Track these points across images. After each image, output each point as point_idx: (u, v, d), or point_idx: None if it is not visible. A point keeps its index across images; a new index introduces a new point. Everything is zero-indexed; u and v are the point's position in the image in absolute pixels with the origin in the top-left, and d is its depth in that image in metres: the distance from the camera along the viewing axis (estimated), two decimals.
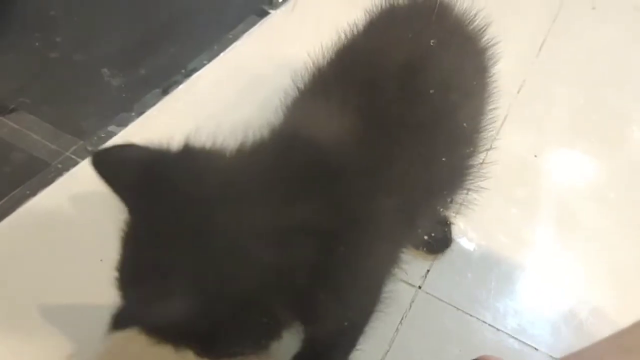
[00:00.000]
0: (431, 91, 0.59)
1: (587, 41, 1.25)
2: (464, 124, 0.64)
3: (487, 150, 0.99)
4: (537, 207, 0.93)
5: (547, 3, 1.34)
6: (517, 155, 1.00)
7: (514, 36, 1.24)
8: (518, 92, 1.12)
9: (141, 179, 0.52)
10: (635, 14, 1.32)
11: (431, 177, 0.60)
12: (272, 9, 1.23)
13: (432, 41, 0.62)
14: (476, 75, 0.70)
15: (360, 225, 0.53)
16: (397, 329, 0.76)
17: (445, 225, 0.86)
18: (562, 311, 0.81)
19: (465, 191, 0.72)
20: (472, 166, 0.70)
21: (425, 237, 0.73)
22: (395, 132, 0.56)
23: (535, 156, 1.00)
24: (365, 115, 0.56)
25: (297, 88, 0.64)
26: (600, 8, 1.33)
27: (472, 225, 0.89)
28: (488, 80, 0.72)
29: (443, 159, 0.60)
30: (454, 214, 0.87)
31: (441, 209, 0.70)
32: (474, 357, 0.70)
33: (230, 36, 1.18)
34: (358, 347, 0.71)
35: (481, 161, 0.74)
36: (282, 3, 1.24)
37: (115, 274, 0.57)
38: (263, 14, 1.23)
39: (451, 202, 0.72)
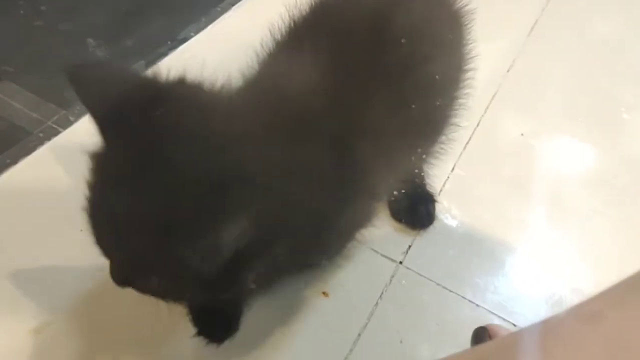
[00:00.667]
0: (402, 40, 0.58)
1: (579, 23, 1.24)
2: (436, 76, 0.63)
3: (475, 127, 1.00)
4: (523, 186, 0.93)
5: None
6: (504, 134, 1.00)
7: (507, 15, 1.24)
8: (508, 71, 1.11)
9: (126, 105, 0.48)
10: None
11: (402, 123, 0.59)
12: None
13: None
14: (450, 28, 0.69)
15: (338, 170, 0.52)
16: (377, 303, 0.76)
17: (429, 202, 0.86)
18: (543, 289, 0.81)
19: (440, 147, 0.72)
20: (445, 119, 0.69)
21: (396, 193, 0.72)
22: (364, 78, 0.57)
23: (522, 135, 0.99)
24: (336, 63, 0.56)
25: (274, 39, 0.64)
26: None
27: (456, 202, 0.88)
28: (464, 36, 0.71)
29: (412, 106, 0.59)
30: (437, 191, 0.87)
31: (416, 161, 0.69)
32: (480, 325, 0.70)
33: (219, 9, 1.16)
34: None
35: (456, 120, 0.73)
36: None
37: (92, 218, 0.53)
38: None
39: (425, 155, 0.71)
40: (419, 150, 0.68)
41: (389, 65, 0.58)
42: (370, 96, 0.57)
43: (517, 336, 0.35)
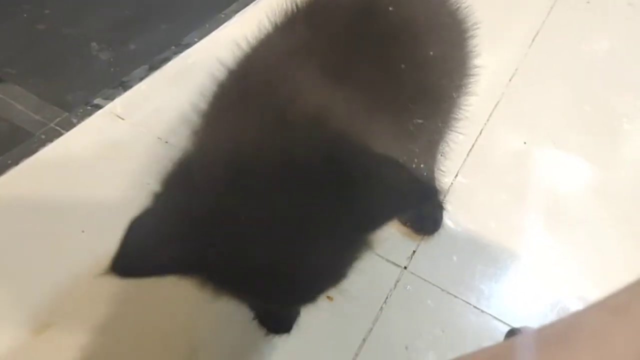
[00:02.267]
0: (390, 8, 0.58)
1: (580, 35, 1.25)
2: (430, 52, 0.60)
3: (477, 135, 1.00)
4: (526, 194, 0.93)
5: None
6: (507, 142, 1.00)
7: (509, 26, 1.25)
8: (510, 80, 1.11)
9: None
10: (629, 9, 1.32)
11: (394, 83, 0.57)
12: None
13: None
14: (447, 11, 0.68)
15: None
16: (382, 308, 0.75)
17: (437, 208, 0.85)
18: (548, 296, 0.80)
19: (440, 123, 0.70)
20: (446, 95, 0.66)
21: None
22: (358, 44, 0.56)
23: (525, 143, 0.99)
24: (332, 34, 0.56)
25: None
26: (595, 2, 1.33)
27: (461, 209, 0.88)
28: (462, 20, 0.69)
29: (402, 66, 0.57)
30: (444, 198, 0.87)
31: (415, 131, 0.65)
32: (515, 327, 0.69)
33: (223, 15, 1.16)
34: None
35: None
36: None
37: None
38: None
39: (422, 124, 0.67)
40: (418, 120, 0.65)
41: (378, 35, 0.57)
42: (366, 60, 0.55)
43: (536, 333, 0.35)
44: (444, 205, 0.85)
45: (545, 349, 0.31)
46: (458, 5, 0.69)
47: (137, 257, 0.47)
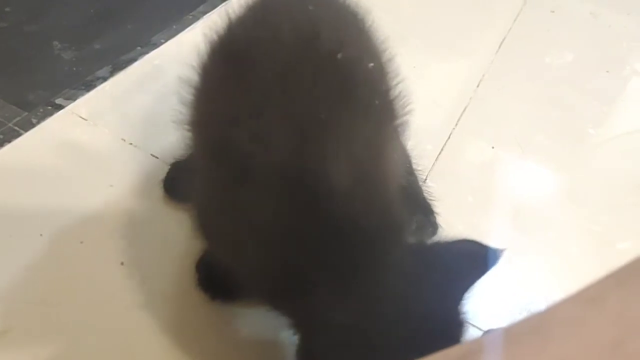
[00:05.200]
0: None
1: (545, 42, 1.27)
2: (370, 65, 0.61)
3: (446, 139, 1.00)
4: (494, 198, 0.93)
5: (510, 5, 1.36)
6: (475, 146, 1.00)
7: (476, 33, 1.26)
8: (477, 86, 1.12)
9: None
10: (592, 18, 1.35)
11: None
12: None
13: None
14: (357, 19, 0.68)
15: None
16: None
17: (429, 212, 0.85)
18: (517, 299, 0.80)
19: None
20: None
21: None
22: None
23: (493, 147, 1.00)
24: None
25: None
26: (559, 11, 1.36)
27: None
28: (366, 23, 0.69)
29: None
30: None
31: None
32: None
33: (190, 17, 1.15)
34: None
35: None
36: None
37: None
38: None
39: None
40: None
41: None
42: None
43: (508, 328, 0.34)
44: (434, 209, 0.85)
45: (516, 341, 0.30)
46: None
47: None
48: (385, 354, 0.49)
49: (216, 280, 0.72)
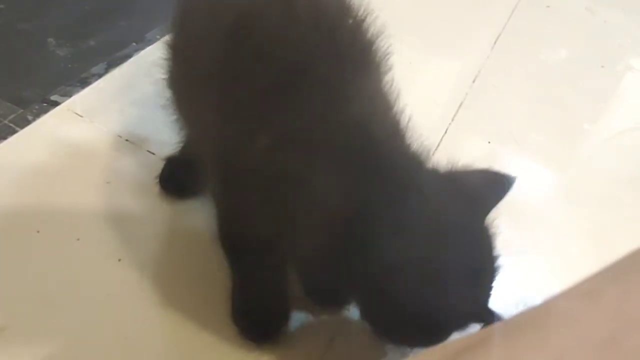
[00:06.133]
0: None
1: (540, 38, 1.27)
2: None
3: (442, 135, 1.00)
4: None
5: (505, 1, 1.36)
6: (471, 141, 1.01)
7: (471, 29, 1.26)
8: (473, 81, 1.12)
9: None
10: (587, 14, 1.36)
11: None
12: None
13: None
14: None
15: None
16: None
17: None
18: (513, 295, 0.80)
19: None
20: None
21: None
22: None
23: (489, 142, 1.00)
24: None
25: None
26: (554, 7, 1.36)
27: None
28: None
29: None
30: None
31: None
32: None
33: None
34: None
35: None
36: None
37: None
38: None
39: None
40: None
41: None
42: None
43: (506, 321, 0.35)
44: None
45: (514, 334, 0.30)
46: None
47: None
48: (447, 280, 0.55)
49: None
